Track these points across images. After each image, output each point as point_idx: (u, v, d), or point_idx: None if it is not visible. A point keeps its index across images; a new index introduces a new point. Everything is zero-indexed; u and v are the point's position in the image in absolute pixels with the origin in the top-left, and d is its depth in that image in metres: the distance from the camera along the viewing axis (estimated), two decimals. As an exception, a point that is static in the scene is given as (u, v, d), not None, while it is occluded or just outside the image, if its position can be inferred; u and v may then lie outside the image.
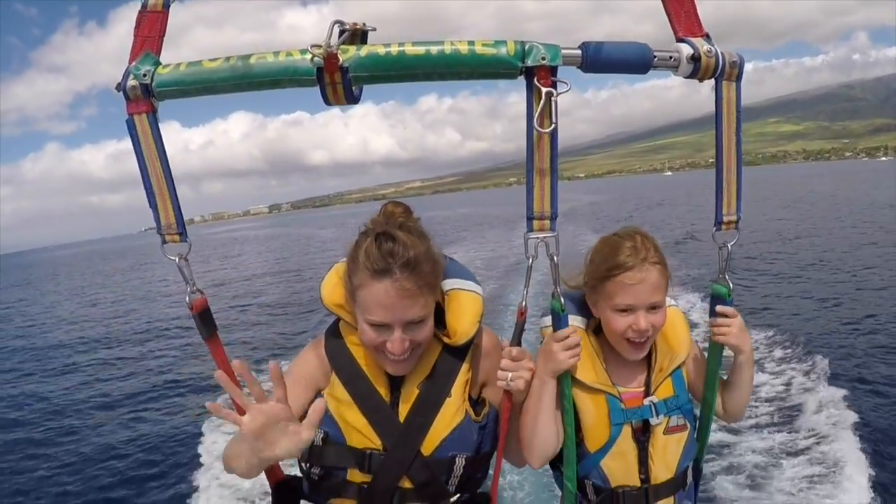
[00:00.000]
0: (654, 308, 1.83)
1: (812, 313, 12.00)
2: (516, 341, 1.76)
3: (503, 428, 1.83)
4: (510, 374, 1.72)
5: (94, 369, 14.02)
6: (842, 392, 7.30)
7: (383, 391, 1.79)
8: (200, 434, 8.35)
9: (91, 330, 19.89)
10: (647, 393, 1.92)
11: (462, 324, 1.81)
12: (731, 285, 1.86)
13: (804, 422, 6.71)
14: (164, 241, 1.65)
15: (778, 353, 9.29)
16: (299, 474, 1.92)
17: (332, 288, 1.82)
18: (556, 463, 1.96)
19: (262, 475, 1.80)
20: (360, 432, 1.76)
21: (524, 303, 1.73)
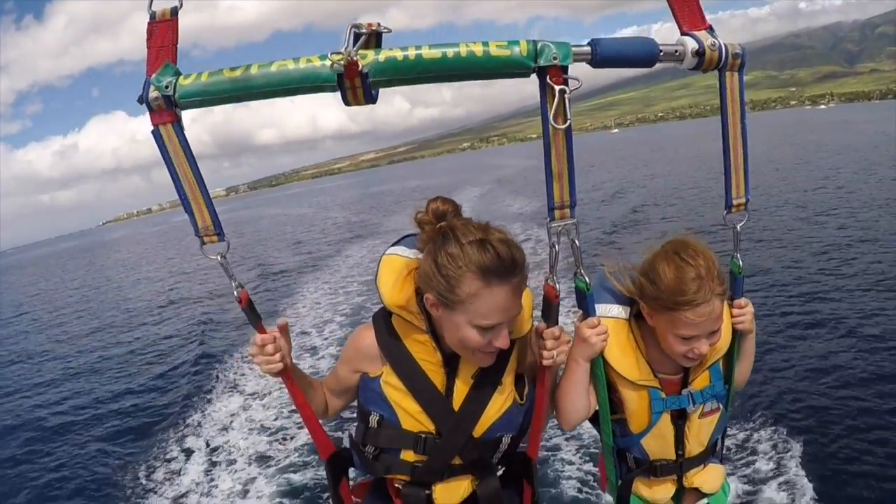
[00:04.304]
0: (713, 333, 1.90)
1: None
2: (554, 322, 1.84)
3: (541, 398, 1.95)
4: (555, 353, 1.83)
5: (75, 376, 13.15)
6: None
7: (438, 382, 1.90)
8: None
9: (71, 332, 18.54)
10: (685, 383, 2.04)
11: (521, 320, 1.91)
12: (741, 264, 1.99)
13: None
14: (202, 243, 1.72)
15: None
16: (347, 446, 2.11)
17: (391, 288, 1.88)
18: (596, 420, 2.12)
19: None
20: (415, 418, 1.90)
21: (556, 287, 1.80)
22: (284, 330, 1.92)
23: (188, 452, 7.72)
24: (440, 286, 1.72)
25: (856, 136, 44.02)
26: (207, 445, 7.80)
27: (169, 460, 7.65)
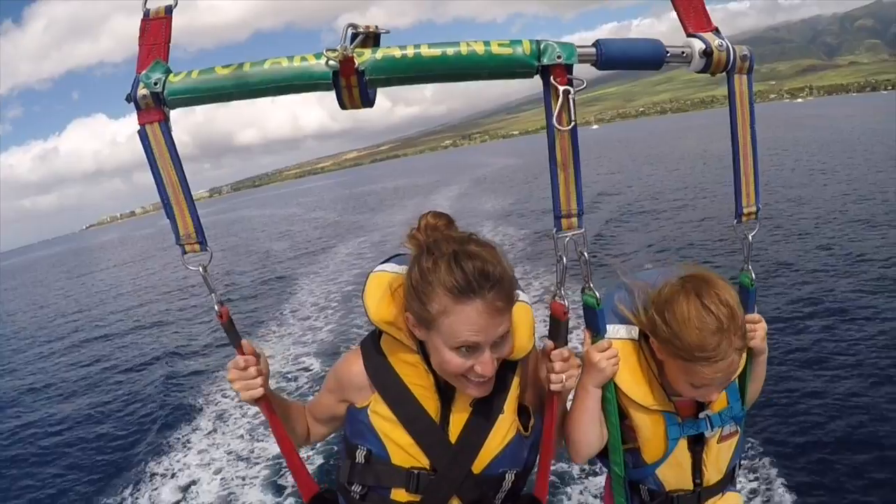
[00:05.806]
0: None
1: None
2: (563, 342, 1.70)
3: (549, 429, 1.80)
4: (564, 376, 1.69)
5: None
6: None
7: (432, 410, 1.72)
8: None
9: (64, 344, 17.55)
10: (701, 406, 1.90)
11: (520, 338, 1.71)
12: (754, 275, 1.88)
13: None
14: (184, 252, 1.62)
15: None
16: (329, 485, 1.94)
17: (377, 302, 1.72)
18: (603, 452, 1.97)
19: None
20: (407, 452, 1.71)
21: (565, 303, 1.67)
22: (258, 356, 1.77)
23: (159, 477, 7.37)
24: (415, 303, 1.58)
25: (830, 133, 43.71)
26: (177, 480, 7.21)
27: (140, 490, 7.24)
